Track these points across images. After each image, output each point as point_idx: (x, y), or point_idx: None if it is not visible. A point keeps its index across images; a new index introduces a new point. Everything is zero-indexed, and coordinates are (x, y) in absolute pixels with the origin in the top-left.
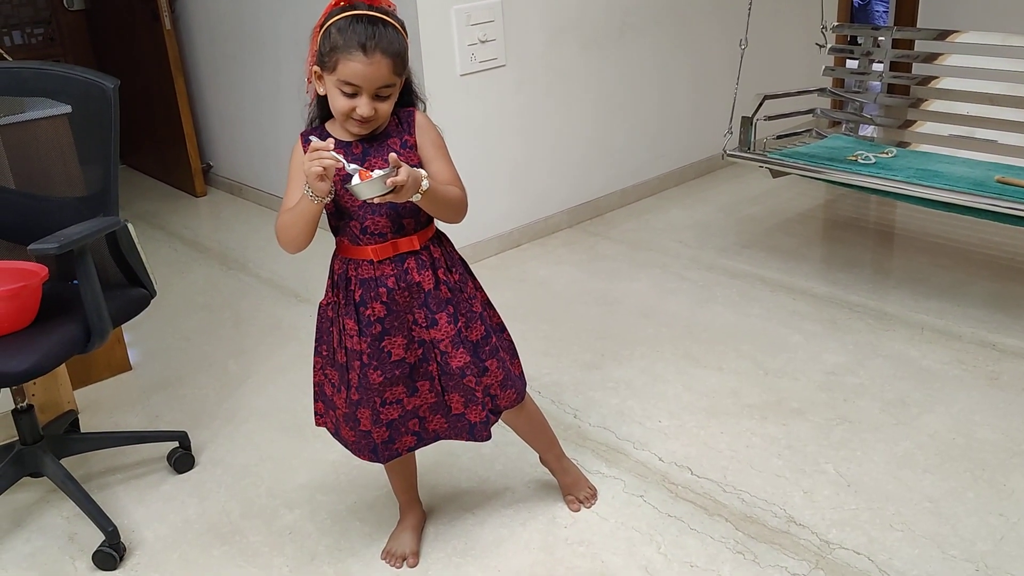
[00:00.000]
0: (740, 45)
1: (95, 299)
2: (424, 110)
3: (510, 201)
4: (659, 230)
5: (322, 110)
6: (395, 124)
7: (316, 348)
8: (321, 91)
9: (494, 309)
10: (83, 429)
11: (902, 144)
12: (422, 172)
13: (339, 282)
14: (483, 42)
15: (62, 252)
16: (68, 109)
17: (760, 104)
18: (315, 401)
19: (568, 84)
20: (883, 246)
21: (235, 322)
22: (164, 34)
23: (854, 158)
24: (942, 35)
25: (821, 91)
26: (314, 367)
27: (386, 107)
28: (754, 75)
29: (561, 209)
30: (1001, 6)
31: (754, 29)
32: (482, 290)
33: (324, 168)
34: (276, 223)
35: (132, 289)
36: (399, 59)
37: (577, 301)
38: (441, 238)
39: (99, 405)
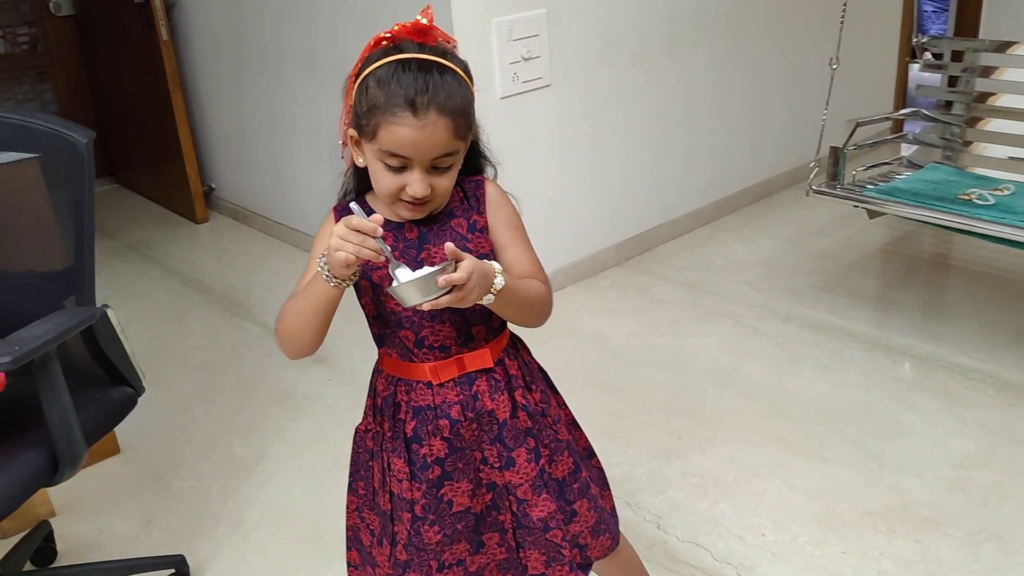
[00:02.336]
0: (831, 65)
1: (63, 419)
2: (495, 177)
3: (553, 238)
4: (720, 269)
5: (360, 181)
6: (459, 199)
7: (350, 484)
8: (360, 162)
9: (580, 430)
10: (61, 538)
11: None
12: (494, 266)
13: (383, 407)
14: (526, 60)
15: (17, 366)
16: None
17: (852, 132)
18: (348, 549)
19: (617, 104)
20: (983, 291)
21: (240, 387)
22: (160, 45)
23: (967, 196)
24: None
25: (913, 113)
26: (347, 507)
27: (446, 182)
28: (816, 96)
29: (608, 245)
30: None
31: (818, 45)
32: (567, 407)
33: (357, 257)
34: (280, 311)
35: (113, 388)
36: (462, 118)
37: (639, 362)
38: (517, 346)
39: (80, 505)
